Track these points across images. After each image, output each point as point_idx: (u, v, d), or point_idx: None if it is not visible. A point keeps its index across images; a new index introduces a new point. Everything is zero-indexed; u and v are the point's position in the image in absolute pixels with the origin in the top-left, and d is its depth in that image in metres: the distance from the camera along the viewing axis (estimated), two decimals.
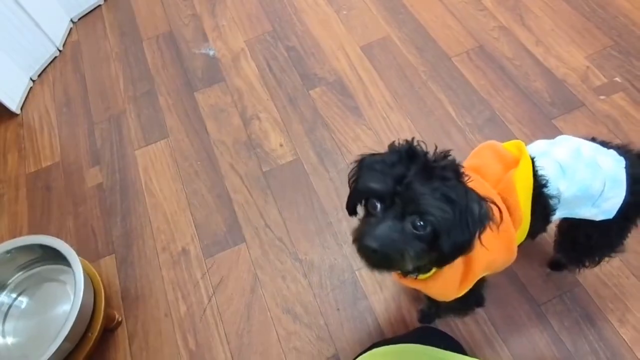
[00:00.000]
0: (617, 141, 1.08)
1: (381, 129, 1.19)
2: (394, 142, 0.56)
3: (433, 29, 1.36)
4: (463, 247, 0.54)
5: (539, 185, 0.68)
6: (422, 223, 0.50)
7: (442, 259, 0.57)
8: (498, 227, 0.58)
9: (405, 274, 0.65)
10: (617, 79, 1.19)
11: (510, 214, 0.67)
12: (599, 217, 0.71)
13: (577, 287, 0.92)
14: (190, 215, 1.13)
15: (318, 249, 1.04)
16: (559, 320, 0.90)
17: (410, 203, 0.50)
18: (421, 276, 0.65)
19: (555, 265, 0.94)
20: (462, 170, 0.55)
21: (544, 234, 0.82)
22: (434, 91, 1.24)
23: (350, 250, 1.02)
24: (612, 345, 0.86)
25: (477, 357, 0.90)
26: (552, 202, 0.69)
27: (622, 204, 0.70)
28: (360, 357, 0.67)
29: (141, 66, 1.42)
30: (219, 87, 1.34)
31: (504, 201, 0.68)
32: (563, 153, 0.71)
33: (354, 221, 1.07)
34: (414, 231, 0.51)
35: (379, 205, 0.52)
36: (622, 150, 0.74)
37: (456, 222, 0.51)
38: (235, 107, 1.29)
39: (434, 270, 0.63)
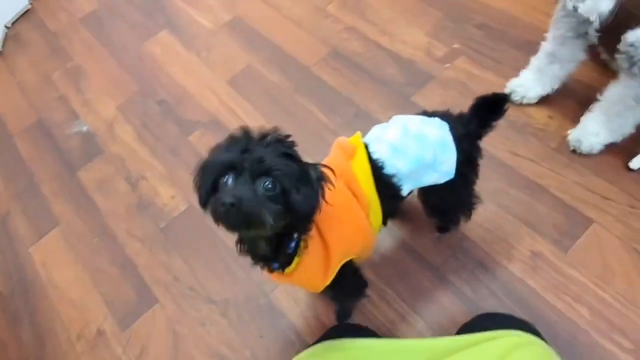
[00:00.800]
0: (468, 101, 1.20)
1: None
2: (231, 134, 0.59)
3: (289, 46, 1.43)
4: (312, 205, 0.58)
5: (376, 168, 0.75)
6: (271, 185, 0.54)
7: (299, 221, 0.60)
8: (333, 186, 0.62)
9: (271, 269, 0.67)
10: (455, 45, 1.31)
11: (357, 200, 0.72)
12: (443, 180, 0.78)
13: (465, 240, 0.99)
14: (98, 295, 1.10)
15: (229, 285, 1.04)
16: (457, 276, 0.96)
17: (257, 165, 0.53)
18: (287, 269, 0.67)
19: (441, 229, 1.00)
20: (292, 144, 0.59)
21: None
22: (302, 103, 1.30)
23: (259, 275, 1.04)
24: (505, 282, 0.93)
25: (395, 337, 0.95)
26: (394, 180, 0.75)
27: (456, 163, 0.77)
28: None
29: (16, 162, 1.39)
30: (100, 160, 1.33)
31: (350, 189, 0.73)
32: (393, 134, 0.78)
33: None
34: (266, 192, 0.54)
35: (230, 177, 0.54)
36: (445, 116, 0.81)
37: (301, 178, 0.56)
38: (119, 174, 1.29)
39: (296, 261, 0.66)
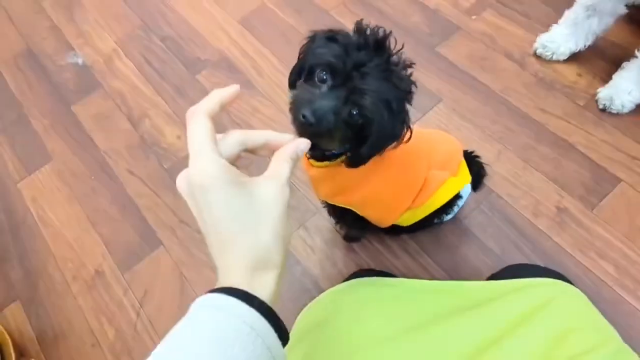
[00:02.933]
0: (495, 54, 1.15)
1: (277, 95, 1.16)
2: (362, 20, 0.53)
3: None
4: (380, 147, 0.54)
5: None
6: (357, 114, 0.48)
7: (358, 155, 0.55)
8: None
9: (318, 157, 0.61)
10: None
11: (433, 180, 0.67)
12: None
13: (491, 194, 0.96)
14: (96, 235, 1.03)
15: None
16: (482, 229, 0.93)
17: (357, 94, 0.47)
18: (315, 163, 0.62)
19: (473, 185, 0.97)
20: (412, 93, 0.54)
21: None
22: None
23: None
24: (532, 237, 0.91)
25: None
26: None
27: None
28: (343, 284, 0.65)
29: (3, 94, 1.27)
30: (98, 95, 1.23)
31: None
32: None
33: None
34: (349, 119, 0.49)
35: (328, 80, 0.49)
36: None
37: (387, 129, 0.50)
38: (120, 110, 1.19)
39: (326, 164, 0.61)
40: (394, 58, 0.51)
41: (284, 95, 1.16)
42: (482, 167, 0.87)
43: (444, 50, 1.17)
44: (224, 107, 0.35)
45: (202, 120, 0.32)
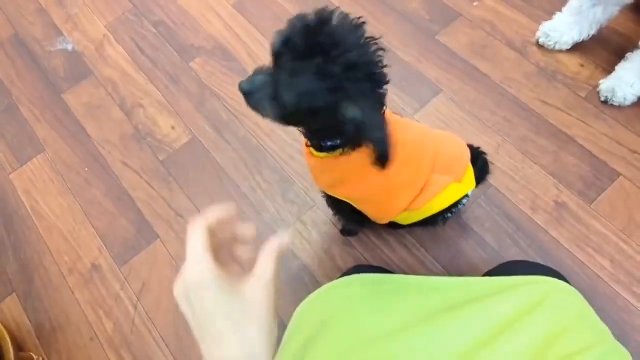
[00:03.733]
0: (496, 42, 1.13)
1: None
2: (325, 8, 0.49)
3: None
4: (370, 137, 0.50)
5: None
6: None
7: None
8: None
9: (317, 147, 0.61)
10: None
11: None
12: None
13: (489, 188, 0.95)
14: (91, 228, 1.02)
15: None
16: (479, 223, 0.93)
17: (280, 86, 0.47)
18: (315, 152, 0.62)
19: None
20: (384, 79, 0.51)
21: None
22: None
23: (269, 217, 0.98)
24: (529, 231, 0.91)
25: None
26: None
27: None
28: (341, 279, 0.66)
29: None
30: (89, 82, 1.20)
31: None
32: None
33: (268, 189, 1.02)
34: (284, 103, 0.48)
35: (284, 54, 0.48)
36: None
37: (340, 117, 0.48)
38: (112, 99, 1.16)
39: (324, 155, 0.60)
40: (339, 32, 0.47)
41: None
42: (487, 164, 0.86)
43: (443, 38, 1.15)
44: (221, 224, 0.38)
45: (200, 231, 0.36)
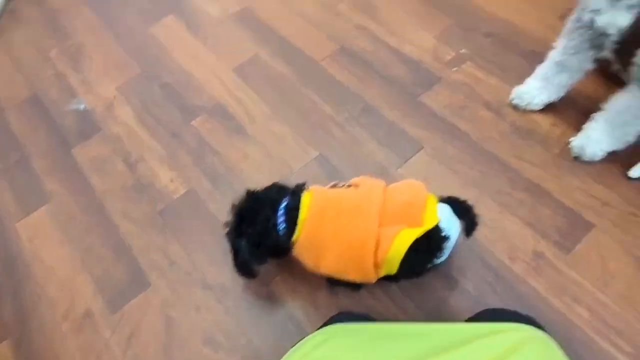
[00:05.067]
0: (474, 104, 1.22)
1: (267, 141, 1.22)
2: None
3: (297, 40, 1.43)
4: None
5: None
6: None
7: None
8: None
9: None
10: (463, 50, 1.33)
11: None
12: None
13: (471, 239, 0.99)
14: (88, 275, 1.06)
15: (228, 272, 1.01)
16: (460, 272, 0.96)
17: None
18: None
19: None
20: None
21: None
22: (309, 95, 1.29)
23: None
24: (509, 281, 0.94)
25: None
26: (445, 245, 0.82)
27: None
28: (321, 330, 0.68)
29: (8, 135, 1.34)
30: (97, 139, 1.29)
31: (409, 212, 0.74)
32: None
33: None
34: None
35: None
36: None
37: None
38: (117, 154, 1.25)
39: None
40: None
41: (274, 141, 1.22)
42: (474, 216, 0.91)
43: (426, 100, 1.24)
44: None
45: None
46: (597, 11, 0.86)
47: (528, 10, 1.40)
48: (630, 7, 0.80)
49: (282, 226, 0.77)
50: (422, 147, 1.16)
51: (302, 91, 1.31)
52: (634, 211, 1.00)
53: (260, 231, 0.78)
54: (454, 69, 1.30)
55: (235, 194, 1.13)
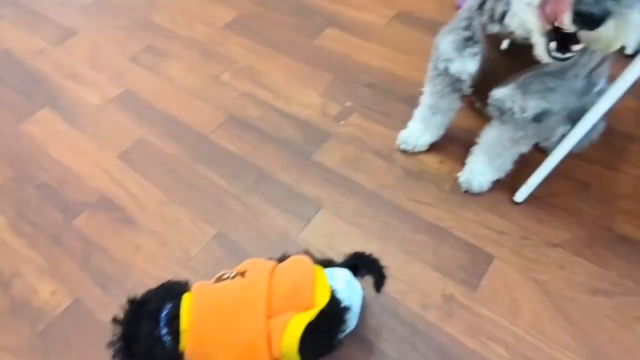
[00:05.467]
0: (365, 154, 1.24)
1: (160, 228, 1.13)
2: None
3: (184, 116, 1.39)
4: None
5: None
6: None
7: None
8: None
9: None
10: (348, 104, 1.36)
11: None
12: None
13: (380, 295, 0.96)
14: None
15: None
16: (375, 334, 0.91)
17: None
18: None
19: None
20: None
21: None
22: (202, 172, 1.24)
23: None
24: (425, 332, 0.91)
25: None
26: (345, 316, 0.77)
27: None
28: None
29: None
30: None
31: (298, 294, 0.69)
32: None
33: None
34: None
35: None
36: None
37: None
38: None
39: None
40: None
41: (167, 227, 1.13)
42: (382, 269, 0.88)
43: (319, 157, 1.24)
44: None
45: None
46: (448, 60, 0.92)
47: (401, 58, 1.49)
48: (474, 54, 0.86)
49: (166, 338, 0.68)
50: (322, 206, 1.14)
51: (194, 169, 1.25)
52: (525, 234, 1.04)
53: (147, 348, 0.69)
54: (342, 122, 1.32)
55: (126, 294, 1.03)
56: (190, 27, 1.70)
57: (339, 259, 0.88)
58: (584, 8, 0.53)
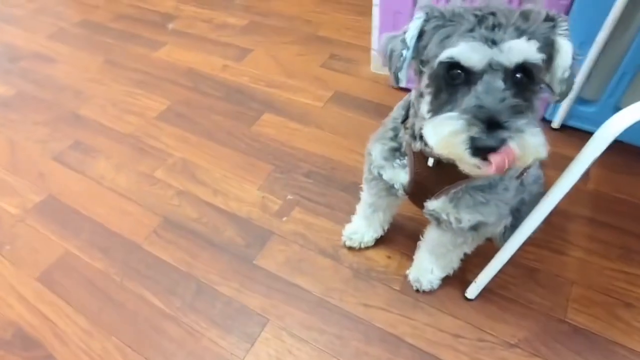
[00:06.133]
0: (311, 254, 1.18)
1: None
2: None
3: (113, 222, 1.28)
4: None
5: None
6: None
7: None
8: None
9: None
10: (289, 197, 1.31)
11: None
12: None
13: None
14: None
15: None
16: None
17: None
18: None
19: None
20: None
21: None
22: (132, 290, 1.12)
23: None
24: None
25: None
26: None
27: None
28: None
29: None
30: None
31: None
32: None
33: None
34: None
35: None
36: None
37: None
38: None
39: None
40: None
41: None
42: None
43: (262, 262, 1.16)
44: None
45: None
46: (381, 167, 0.89)
47: (339, 141, 1.47)
48: (404, 166, 0.84)
49: None
50: (268, 320, 1.05)
51: (124, 287, 1.13)
52: (481, 336, 1.00)
53: None
54: (284, 218, 1.26)
55: None
56: (120, 119, 1.62)
57: None
58: (482, 143, 0.56)
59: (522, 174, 0.88)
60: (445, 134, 0.59)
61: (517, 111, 0.57)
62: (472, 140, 0.56)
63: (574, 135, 1.41)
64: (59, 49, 2.03)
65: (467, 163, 0.60)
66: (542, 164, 1.05)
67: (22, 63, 1.94)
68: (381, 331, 1.01)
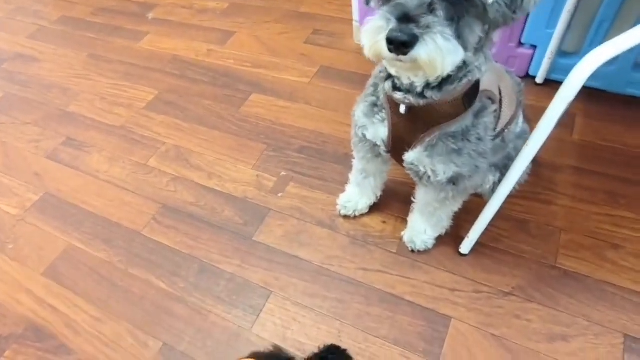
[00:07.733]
0: (309, 226, 1.20)
1: (96, 351, 1.03)
2: None
3: (113, 213, 1.31)
4: None
5: None
6: None
7: None
8: None
9: None
10: (283, 173, 1.33)
11: None
12: None
13: None
14: None
15: None
16: None
17: None
18: None
19: None
20: None
21: None
22: (137, 275, 1.15)
23: None
24: None
25: None
26: None
27: None
28: None
29: None
30: None
31: None
32: None
33: None
34: None
35: None
36: None
37: None
38: None
39: None
40: None
41: (107, 349, 1.04)
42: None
43: (261, 237, 1.19)
44: None
45: None
46: (364, 127, 0.91)
47: (328, 115, 1.49)
48: (382, 120, 0.86)
49: None
50: (271, 292, 1.08)
51: (129, 273, 1.16)
52: (477, 287, 1.03)
53: None
54: (280, 194, 1.28)
55: None
56: (109, 112, 1.63)
57: (296, 352, 0.83)
58: (393, 35, 0.59)
59: (502, 131, 0.90)
60: (368, 33, 0.63)
61: (433, 10, 0.59)
62: (389, 32, 0.59)
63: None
64: (41, 48, 2.02)
65: (387, 60, 0.64)
66: (527, 118, 1.07)
67: (5, 65, 1.93)
68: (381, 292, 1.05)
